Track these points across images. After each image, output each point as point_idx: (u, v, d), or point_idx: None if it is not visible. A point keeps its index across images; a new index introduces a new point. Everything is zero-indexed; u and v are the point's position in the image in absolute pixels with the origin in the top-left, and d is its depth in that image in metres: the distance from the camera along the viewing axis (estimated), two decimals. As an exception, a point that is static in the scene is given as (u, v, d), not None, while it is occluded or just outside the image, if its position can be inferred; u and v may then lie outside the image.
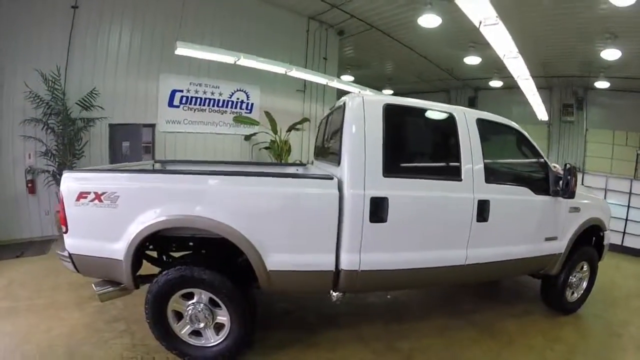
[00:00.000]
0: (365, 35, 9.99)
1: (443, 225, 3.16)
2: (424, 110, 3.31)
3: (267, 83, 8.61)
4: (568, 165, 3.51)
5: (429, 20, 7.98)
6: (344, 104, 2.98)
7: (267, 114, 8.18)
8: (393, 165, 2.89)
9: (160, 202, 2.71)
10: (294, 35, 9.07)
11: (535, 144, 3.72)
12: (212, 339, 2.88)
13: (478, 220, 3.17)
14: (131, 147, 6.56)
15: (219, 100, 7.89)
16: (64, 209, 2.72)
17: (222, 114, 8.00)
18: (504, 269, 3.66)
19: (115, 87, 6.48)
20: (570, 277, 4.02)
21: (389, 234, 2.86)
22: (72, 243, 2.78)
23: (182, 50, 6.14)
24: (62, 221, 2.77)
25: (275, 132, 8.28)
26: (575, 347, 3.44)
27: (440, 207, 3.12)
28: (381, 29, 9.67)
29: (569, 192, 3.50)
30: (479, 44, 9.76)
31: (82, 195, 2.68)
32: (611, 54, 8.29)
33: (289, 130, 8.58)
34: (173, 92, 7.21)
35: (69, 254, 2.80)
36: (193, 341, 2.89)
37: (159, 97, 7.07)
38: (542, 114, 11.63)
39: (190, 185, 2.78)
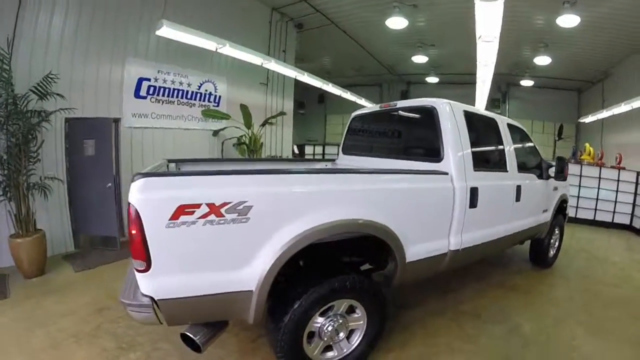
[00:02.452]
0: (322, 31, 9.98)
1: (503, 206, 3.91)
2: (483, 115, 4.01)
3: (234, 75, 7.99)
4: (560, 156, 4.76)
5: (396, 22, 8.55)
6: (434, 108, 3.37)
7: (244, 107, 7.56)
8: (476, 161, 3.38)
9: (312, 207, 2.33)
10: (257, 26, 8.60)
11: (532, 140, 4.84)
12: (345, 349, 2.69)
13: (516, 200, 4.01)
14: (98, 146, 5.38)
15: (187, 92, 7.00)
16: (142, 234, 1.91)
17: (191, 107, 7.12)
18: (527, 233, 4.59)
19: (72, 73, 5.25)
20: (551, 239, 5.30)
21: (478, 216, 3.39)
22: (161, 284, 2.00)
23: (166, 32, 5.29)
24: (137, 253, 1.96)
25: (249, 126, 7.69)
26: (564, 284, 4.96)
27: (502, 192, 3.86)
28: (340, 26, 9.82)
29: (563, 176, 4.66)
30: (427, 44, 10.58)
31: (183, 211, 1.94)
32: (542, 60, 9.67)
33: (263, 124, 8.11)
34: (140, 81, 6.16)
35: (154, 301, 2.01)
36: (326, 358, 2.65)
37: (124, 86, 5.96)
38: (481, 106, 12.94)
39: (346, 186, 2.54)
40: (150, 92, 6.33)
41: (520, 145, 4.39)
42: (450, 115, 3.29)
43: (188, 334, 2.21)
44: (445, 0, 8.05)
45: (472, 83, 14.41)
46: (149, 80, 6.27)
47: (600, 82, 11.87)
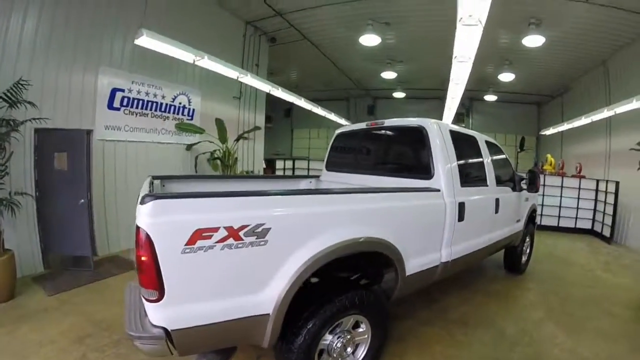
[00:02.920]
0: (295, 45, 10.17)
1: (485, 218, 4.15)
2: (465, 134, 4.16)
3: (208, 87, 7.91)
4: (532, 169, 5.13)
5: (369, 40, 8.98)
6: (423, 128, 3.55)
7: (219, 121, 7.48)
8: (462, 177, 3.59)
9: (327, 227, 2.37)
10: (232, 39, 8.65)
11: (506, 155, 5.20)
12: None
13: (495, 212, 4.29)
14: (70, 159, 5.08)
15: (161, 104, 6.83)
16: (155, 261, 1.80)
17: (165, 120, 6.94)
18: (504, 242, 4.90)
19: (44, 80, 4.99)
20: (523, 247, 5.68)
21: (465, 229, 3.57)
22: (175, 313, 1.89)
23: (145, 41, 5.19)
24: (148, 281, 1.84)
25: (224, 141, 7.59)
26: (539, 288, 5.31)
27: (484, 205, 4.08)
28: (313, 41, 10.08)
29: (535, 188, 4.99)
30: (395, 61, 11.03)
31: (200, 235, 1.86)
32: (506, 77, 10.33)
33: (238, 139, 8.05)
34: (114, 92, 5.94)
35: (167, 332, 1.89)
36: None
37: (97, 97, 5.71)
38: (448, 121, 13.57)
39: (357, 205, 2.65)
40: (124, 103, 6.11)
41: (496, 160, 4.65)
42: (438, 134, 3.49)
43: None
44: (416, 19, 8.48)
45: (437, 98, 15.27)
46: (122, 91, 6.06)
47: (559, 97, 12.87)
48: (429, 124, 3.54)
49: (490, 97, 13.77)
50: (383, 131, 4.32)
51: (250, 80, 7.65)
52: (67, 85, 5.28)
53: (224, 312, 2.00)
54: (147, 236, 1.78)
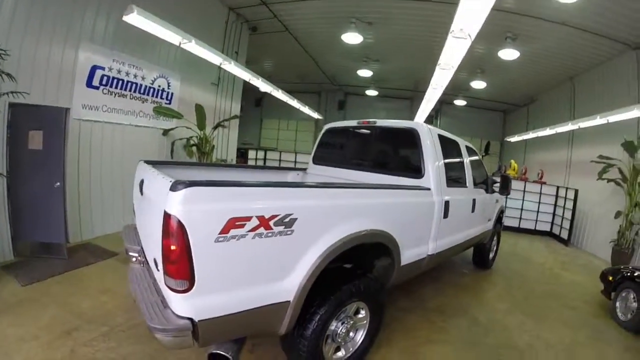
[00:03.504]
0: (275, 36, 10.13)
1: (464, 216, 4.53)
2: (449, 138, 4.45)
3: (188, 72, 7.71)
4: (503, 174, 5.83)
5: (351, 38, 9.13)
6: (414, 130, 3.83)
7: (199, 107, 7.31)
8: (447, 178, 3.90)
9: (343, 218, 2.56)
10: (214, 24, 8.46)
11: (481, 158, 5.62)
12: (351, 348, 2.89)
13: (472, 211, 4.72)
14: (46, 139, 4.79)
15: (141, 86, 6.58)
16: (187, 251, 1.80)
17: (143, 102, 6.70)
18: (477, 239, 5.35)
19: (21, 52, 4.67)
20: (491, 244, 6.22)
21: (448, 225, 3.91)
22: (203, 303, 1.90)
23: (135, 18, 4.98)
24: (179, 272, 1.84)
25: (202, 127, 7.44)
26: (504, 282, 5.86)
27: (464, 204, 4.45)
28: (294, 34, 10.05)
29: (507, 191, 5.46)
30: (371, 60, 11.27)
31: (234, 224, 1.89)
32: (478, 84, 10.86)
33: (216, 127, 7.91)
34: (93, 69, 5.65)
35: (194, 324, 1.88)
36: (337, 358, 2.82)
37: (76, 73, 5.42)
38: (421, 119, 14.01)
39: (367, 199, 2.87)
40: (103, 82, 5.84)
41: (474, 164, 5.04)
42: (429, 137, 3.77)
43: (221, 352, 2.13)
44: (398, 21, 8.72)
45: (407, 98, 15.79)
46: (102, 69, 5.78)
47: (525, 106, 13.72)
48: (422, 127, 3.83)
49: (459, 102, 14.44)
50: (375, 130, 4.51)
51: (233, 68, 7.54)
52: (46, 59, 4.98)
53: (249, 300, 2.05)
54: (180, 224, 1.76)
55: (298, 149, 16.47)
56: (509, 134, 13.66)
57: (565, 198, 9.34)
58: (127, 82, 6.27)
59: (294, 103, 11.82)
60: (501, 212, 6.44)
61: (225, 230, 1.86)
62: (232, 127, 9.79)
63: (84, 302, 3.80)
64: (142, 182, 2.73)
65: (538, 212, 10.05)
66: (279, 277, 2.17)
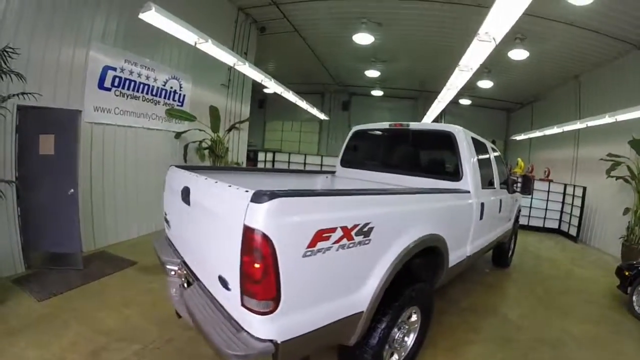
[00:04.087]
0: (282, 37, 9.73)
1: (493, 217, 4.32)
2: (480, 140, 4.27)
3: (199, 73, 7.29)
4: (526, 174, 5.58)
5: (363, 38, 8.83)
6: (452, 134, 3.68)
7: (214, 109, 6.91)
8: (482, 181, 3.76)
9: (410, 224, 2.47)
10: (224, 24, 8.03)
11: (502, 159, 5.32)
12: (403, 352, 2.74)
13: (499, 212, 4.54)
14: (58, 143, 4.36)
15: (153, 88, 6.15)
16: (274, 268, 1.59)
17: (155, 104, 6.26)
18: (501, 239, 5.12)
19: (30, 52, 4.23)
20: (510, 243, 6.03)
21: (482, 227, 3.79)
22: (286, 323, 1.69)
23: (152, 16, 4.56)
24: (265, 292, 1.62)
25: (216, 130, 7.04)
26: (524, 280, 5.78)
27: (494, 205, 4.24)
28: (303, 35, 9.63)
29: (529, 191, 5.25)
30: (379, 60, 10.91)
31: (321, 236, 1.73)
32: (485, 84, 10.52)
33: (230, 129, 7.50)
34: (105, 70, 5.22)
35: (276, 345, 1.67)
36: None
37: (87, 74, 4.98)
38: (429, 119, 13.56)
39: (428, 204, 2.81)
40: (115, 83, 5.41)
41: (499, 164, 4.83)
42: (466, 140, 3.64)
43: None
44: (406, 21, 8.35)
45: (411, 98, 15.46)
46: (114, 69, 5.35)
47: (529, 105, 13.38)
48: (458, 131, 3.69)
49: (464, 101, 14.07)
50: (409, 133, 4.32)
51: (246, 69, 7.15)
52: (56, 59, 4.54)
53: (328, 315, 1.89)
54: (266, 239, 1.56)
55: (302, 150, 16.07)
56: (513, 133, 13.32)
57: (573, 195, 9.05)
58: (139, 83, 5.84)
59: (303, 104, 11.39)
60: (519, 211, 6.19)
61: (312, 243, 1.70)
62: (243, 129, 9.38)
63: (109, 317, 3.42)
64: (186, 190, 2.39)
65: (546, 209, 9.74)
66: (355, 288, 2.05)
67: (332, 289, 1.92)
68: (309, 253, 1.69)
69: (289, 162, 11.38)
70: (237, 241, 1.63)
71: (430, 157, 4.34)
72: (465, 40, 7.87)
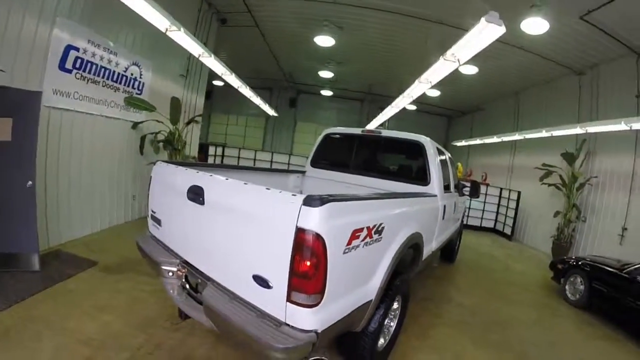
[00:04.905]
0: (242, 30, 9.56)
1: (449, 217, 4.74)
2: (441, 149, 4.73)
3: (160, 61, 6.85)
4: (473, 180, 6.28)
5: (324, 40, 9.08)
6: (420, 142, 4.15)
7: (175, 100, 6.53)
8: (444, 185, 4.26)
9: (407, 223, 2.86)
10: (186, 13, 7.56)
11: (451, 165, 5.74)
12: (387, 336, 3.08)
13: (453, 213, 5.06)
14: (17, 128, 3.83)
15: (114, 73, 5.65)
16: (325, 265, 1.80)
17: (115, 91, 5.76)
18: (452, 237, 5.71)
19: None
20: (457, 240, 6.80)
21: (442, 225, 4.26)
22: (326, 313, 1.92)
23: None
24: (316, 287, 1.81)
25: (176, 122, 6.67)
26: (471, 273, 6.49)
27: (450, 207, 4.64)
28: (263, 30, 9.53)
29: (477, 194, 5.89)
30: (334, 62, 11.13)
31: (355, 235, 2.01)
32: (433, 92, 11.29)
33: (189, 122, 7.15)
34: (68, 49, 4.69)
35: (317, 334, 1.86)
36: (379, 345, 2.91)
37: (49, 52, 4.44)
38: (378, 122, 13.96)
39: (416, 206, 3.20)
40: (77, 65, 4.88)
41: (453, 171, 5.43)
42: (432, 149, 4.12)
43: (324, 358, 2.16)
44: (367, 29, 8.68)
45: (358, 100, 15.94)
46: (77, 50, 4.82)
47: (470, 114, 14.51)
48: (426, 141, 4.16)
49: (410, 107, 14.78)
50: (381, 139, 4.69)
51: (212, 61, 6.84)
52: (18, 33, 3.98)
53: (351, 304, 2.15)
54: (319, 240, 1.75)
55: (247, 144, 15.76)
56: (453, 139, 14.42)
57: (509, 199, 10.09)
58: (101, 67, 5.33)
59: (257, 100, 11.17)
60: (464, 212, 7.00)
61: (349, 241, 1.96)
62: (198, 122, 8.96)
63: (85, 324, 3.11)
64: (196, 189, 2.34)
65: (483, 210, 10.72)
66: (369, 279, 2.36)
67: (355, 281, 2.20)
68: (347, 250, 1.95)
69: (238, 158, 11.16)
70: (287, 241, 1.77)
71: (401, 162, 4.71)
72: (419, 52, 8.43)
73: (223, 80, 8.94)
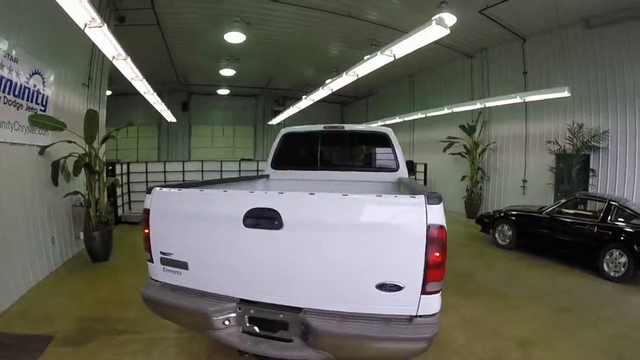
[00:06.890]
0: (139, 30, 8.39)
1: None
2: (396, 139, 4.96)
3: (62, 67, 5.59)
4: (409, 160, 7.06)
5: (234, 37, 8.83)
6: (386, 134, 4.48)
7: (92, 113, 5.47)
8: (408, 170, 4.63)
9: None
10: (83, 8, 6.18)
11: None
12: None
13: None
14: None
15: (16, 85, 4.33)
16: (446, 249, 2.00)
17: (18, 108, 4.43)
18: None
19: None
20: None
21: None
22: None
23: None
24: (442, 273, 2.01)
25: (92, 140, 5.58)
26: None
27: None
28: (164, 29, 8.72)
29: (413, 173, 6.27)
30: (234, 58, 10.74)
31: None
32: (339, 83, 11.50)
33: (105, 139, 6.10)
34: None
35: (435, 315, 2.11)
36: None
37: None
38: (283, 116, 13.85)
39: None
40: (-29, 77, 3.61)
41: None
42: (396, 139, 4.49)
43: None
44: (275, 22, 8.51)
45: (251, 96, 15.84)
46: (-31, 58, 3.55)
47: (364, 98, 15.27)
48: (389, 131, 4.47)
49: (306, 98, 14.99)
50: (345, 134, 4.76)
51: (124, 65, 5.85)
52: None
53: None
54: (444, 230, 1.90)
55: (141, 157, 13.96)
56: (348, 123, 15.10)
57: (416, 171, 11.15)
58: (1, 77, 4.04)
59: (161, 107, 9.98)
60: None
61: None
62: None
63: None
64: (266, 212, 2.07)
65: (395, 183, 11.70)
66: None
67: None
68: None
69: (146, 173, 9.96)
70: (420, 239, 1.86)
71: (369, 154, 4.88)
72: (328, 44, 8.61)
73: (110, 89, 7.77)
